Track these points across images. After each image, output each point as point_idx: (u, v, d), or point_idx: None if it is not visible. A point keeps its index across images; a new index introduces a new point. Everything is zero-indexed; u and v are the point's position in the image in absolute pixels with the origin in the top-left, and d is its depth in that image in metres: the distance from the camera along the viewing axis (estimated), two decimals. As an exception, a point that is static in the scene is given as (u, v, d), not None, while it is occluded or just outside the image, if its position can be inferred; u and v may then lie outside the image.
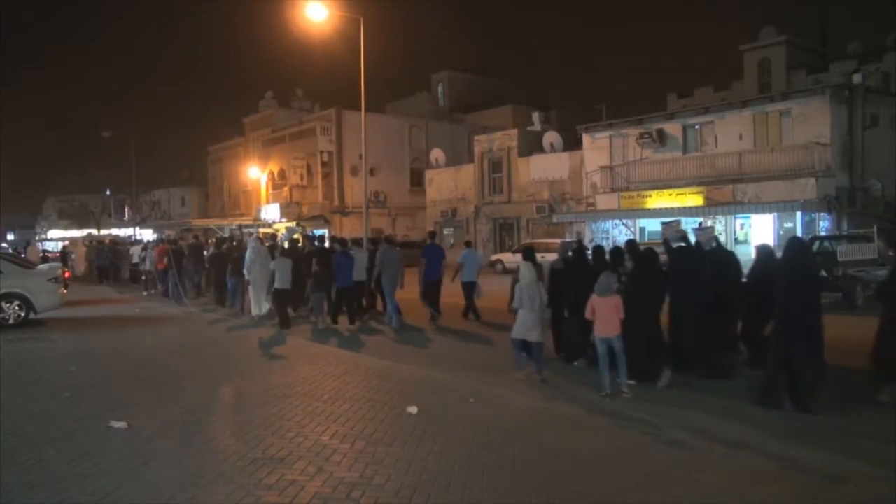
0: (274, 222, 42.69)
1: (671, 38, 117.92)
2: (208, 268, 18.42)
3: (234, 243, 18.94)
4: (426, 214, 39.06)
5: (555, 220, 30.71)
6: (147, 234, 44.27)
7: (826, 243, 17.16)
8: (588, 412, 6.90)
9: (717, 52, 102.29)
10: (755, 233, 25.13)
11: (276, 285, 13.24)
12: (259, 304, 14.66)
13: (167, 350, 11.35)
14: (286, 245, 16.71)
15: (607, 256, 9.16)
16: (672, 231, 8.89)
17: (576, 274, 8.95)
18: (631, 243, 9.39)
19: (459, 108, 53.97)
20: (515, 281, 8.52)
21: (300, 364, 9.84)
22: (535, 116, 38.06)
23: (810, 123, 23.82)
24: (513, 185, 34.05)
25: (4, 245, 40.31)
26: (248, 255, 14.60)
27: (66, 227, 67.29)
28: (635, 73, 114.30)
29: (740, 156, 25.24)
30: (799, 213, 23.41)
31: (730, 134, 26.09)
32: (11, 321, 14.27)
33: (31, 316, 14.63)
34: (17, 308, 14.43)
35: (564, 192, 31.86)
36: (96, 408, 7.31)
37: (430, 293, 13.75)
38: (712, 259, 8.65)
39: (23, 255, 25.22)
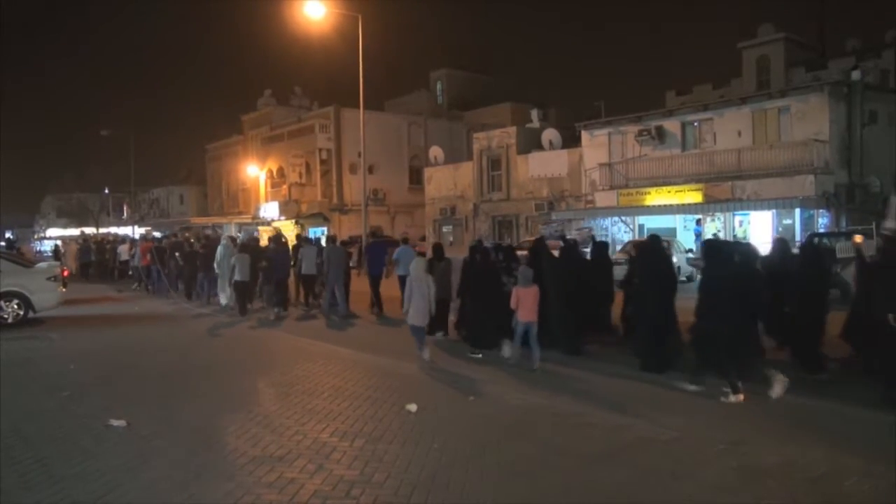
0: (273, 220, 42.64)
1: (670, 36, 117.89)
2: (182, 264, 19.54)
3: (203, 241, 20.20)
4: (425, 212, 39.03)
5: (554, 217, 30.69)
6: (138, 233, 44.33)
7: (825, 240, 17.16)
8: (587, 410, 6.90)
9: (715, 50, 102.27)
10: (754, 230, 25.12)
11: (236, 277, 14.92)
12: (226, 295, 16.12)
13: (166, 348, 11.34)
14: (240, 241, 18.48)
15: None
16: (551, 231, 10.53)
17: (478, 268, 10.29)
18: (539, 241, 11.17)
19: (458, 106, 53.90)
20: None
21: (299, 362, 9.83)
22: (534, 114, 38.02)
23: (809, 120, 23.81)
24: (512, 182, 34.02)
25: (2, 244, 40.25)
26: (218, 252, 16.14)
27: (64, 226, 67.24)
28: (634, 71, 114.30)
29: (739, 153, 25.22)
30: (798, 210, 23.39)
31: (729, 131, 26.07)
32: (10, 320, 14.23)
33: (30, 315, 14.60)
34: (15, 307, 14.39)
35: (563, 189, 31.84)
36: (95, 406, 7.31)
37: (373, 286, 15.12)
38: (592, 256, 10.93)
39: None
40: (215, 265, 16.21)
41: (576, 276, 9.82)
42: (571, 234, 11.06)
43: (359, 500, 4.71)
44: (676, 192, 26.60)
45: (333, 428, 6.39)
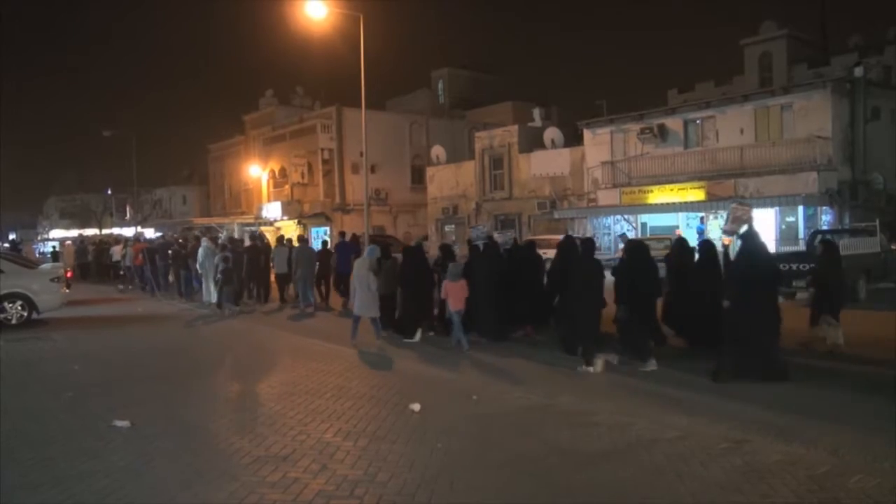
0: (275, 220, 42.66)
1: (671, 34, 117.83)
2: (171, 263, 20.26)
3: (194, 242, 20.85)
4: (427, 212, 39.04)
5: (556, 216, 30.67)
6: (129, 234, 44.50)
7: (828, 237, 17.11)
8: (591, 408, 6.89)
9: (717, 47, 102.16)
10: (757, 227, 25.04)
11: (218, 276, 15.87)
12: (209, 293, 16.81)
13: (169, 348, 11.37)
14: (220, 242, 19.07)
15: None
16: (478, 232, 12.88)
17: (411, 265, 11.72)
18: (446, 246, 12.77)
19: (460, 105, 53.88)
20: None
21: (302, 361, 9.84)
22: (536, 112, 37.98)
23: (812, 117, 23.76)
24: (514, 181, 34.01)
25: (6, 245, 40.46)
26: (200, 252, 17.00)
27: (67, 227, 67.41)
28: (636, 69, 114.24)
29: (742, 150, 25.19)
30: (801, 208, 23.36)
31: (731, 128, 26.03)
32: (14, 321, 14.25)
33: (34, 316, 14.62)
34: (19, 308, 14.41)
35: (566, 188, 31.82)
36: (99, 407, 7.32)
37: (341, 283, 15.80)
38: (513, 254, 12.34)
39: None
40: (197, 265, 17.24)
41: (497, 272, 11.15)
42: (496, 236, 13.01)
43: (363, 500, 4.70)
44: (679, 190, 26.57)
45: (337, 427, 6.39)
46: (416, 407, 6.94)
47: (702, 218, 25.27)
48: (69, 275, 17.80)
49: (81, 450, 5.92)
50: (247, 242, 21.25)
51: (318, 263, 16.68)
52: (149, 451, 5.82)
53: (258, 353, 10.91)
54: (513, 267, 11.65)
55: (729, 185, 25.13)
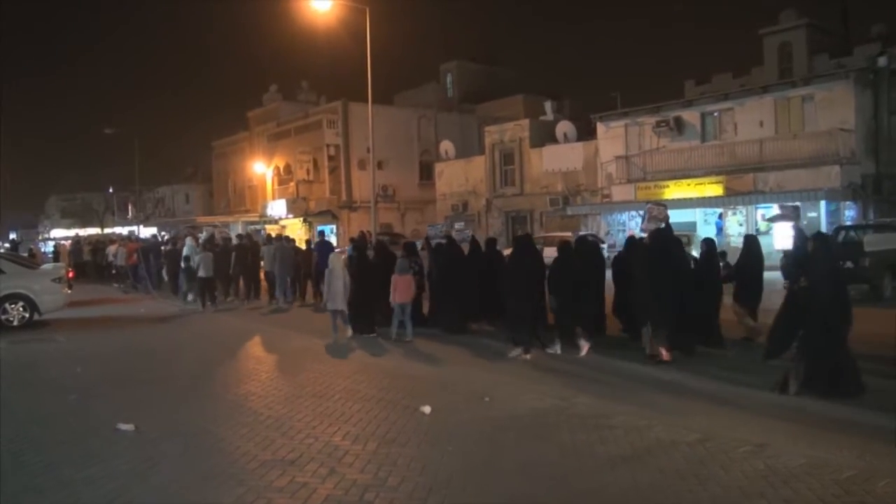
0: (280, 219, 42.78)
1: (688, 24, 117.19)
2: (164, 262, 20.79)
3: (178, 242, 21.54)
4: (436, 208, 39.03)
5: (569, 212, 30.62)
6: (144, 233, 44.83)
7: (852, 233, 17.00)
8: (607, 411, 6.87)
9: (735, 38, 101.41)
10: (777, 223, 24.91)
11: (200, 274, 16.65)
12: (193, 291, 17.69)
13: (173, 350, 11.45)
14: (201, 241, 19.70)
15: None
16: (436, 231, 13.72)
17: (381, 262, 12.79)
18: (410, 245, 13.60)
19: (469, 99, 53.77)
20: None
21: (309, 363, 9.87)
22: (548, 106, 37.90)
23: (834, 109, 23.59)
24: (525, 177, 33.97)
25: (6, 245, 40.90)
26: (185, 251, 17.89)
27: (69, 227, 67.84)
28: (651, 60, 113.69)
29: (761, 143, 25.05)
30: (823, 202, 23.21)
31: (750, 121, 25.89)
32: (16, 323, 14.37)
33: (36, 317, 14.74)
34: (21, 309, 14.53)
35: (579, 183, 31.76)
36: (103, 410, 7.37)
37: (318, 280, 16.02)
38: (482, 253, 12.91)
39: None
40: (182, 263, 18.09)
41: (454, 268, 12.17)
42: (454, 234, 14.30)
43: (373, 505, 4.71)
44: (696, 185, 26.47)
45: (345, 431, 6.41)
46: (427, 409, 6.94)
47: (720, 214, 25.15)
48: (71, 275, 17.93)
49: (86, 453, 5.96)
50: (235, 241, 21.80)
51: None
52: (154, 455, 5.86)
53: (266, 354, 10.96)
54: (473, 264, 12.49)
55: (748, 180, 25.00)
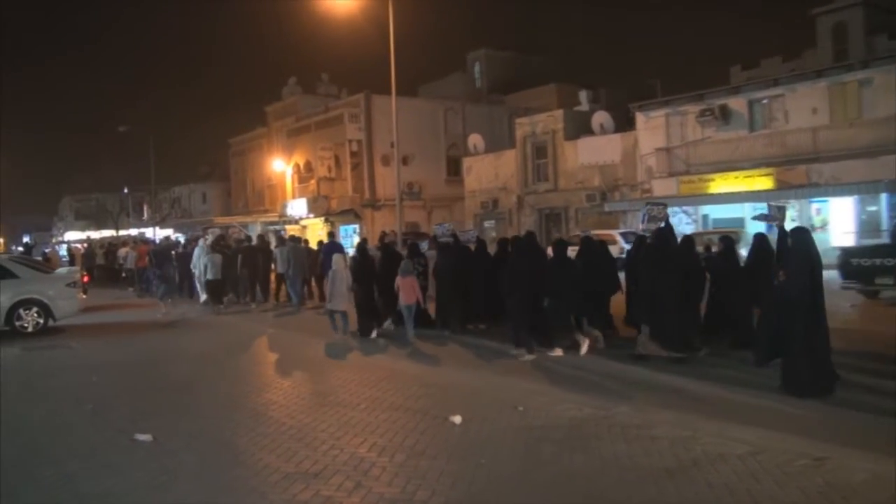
0: (301, 218, 43.09)
1: (732, 4, 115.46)
2: (177, 265, 21.12)
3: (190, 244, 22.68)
4: (464, 206, 39.01)
5: (607, 208, 30.41)
6: (159, 234, 45.51)
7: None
8: (648, 420, 6.80)
9: (785, 19, 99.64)
10: (834, 218, 24.47)
11: (208, 276, 17.54)
12: (204, 293, 18.49)
13: (190, 357, 11.59)
14: (208, 243, 20.25)
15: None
16: (443, 230, 14.59)
17: (385, 262, 13.40)
18: (414, 246, 14.72)
19: (498, 89, 53.68)
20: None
21: (332, 370, 9.95)
22: (582, 95, 37.67)
23: (894, 94, 23.08)
24: (559, 171, 33.79)
25: (20, 248, 41.95)
26: (195, 253, 18.66)
27: (83, 228, 69.24)
28: (693, 44, 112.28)
29: (814, 132, 24.62)
30: (884, 195, 22.74)
31: (802, 108, 25.45)
32: (31, 329, 14.68)
33: (51, 323, 15.03)
34: (35, 315, 14.82)
35: (616, 177, 31.50)
36: (119, 420, 7.50)
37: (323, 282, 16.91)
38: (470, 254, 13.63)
39: None
40: (192, 266, 18.97)
41: (460, 268, 12.74)
42: (460, 234, 14.61)
43: (401, 520, 4.73)
44: (744, 178, 26.12)
45: (371, 442, 6.43)
46: (457, 419, 6.94)
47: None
48: (86, 279, 18.31)
49: (103, 465, 6.07)
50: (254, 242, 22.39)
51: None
52: (172, 467, 5.94)
53: (287, 361, 11.06)
54: (482, 264, 13.15)
55: (801, 172, 24.59)
